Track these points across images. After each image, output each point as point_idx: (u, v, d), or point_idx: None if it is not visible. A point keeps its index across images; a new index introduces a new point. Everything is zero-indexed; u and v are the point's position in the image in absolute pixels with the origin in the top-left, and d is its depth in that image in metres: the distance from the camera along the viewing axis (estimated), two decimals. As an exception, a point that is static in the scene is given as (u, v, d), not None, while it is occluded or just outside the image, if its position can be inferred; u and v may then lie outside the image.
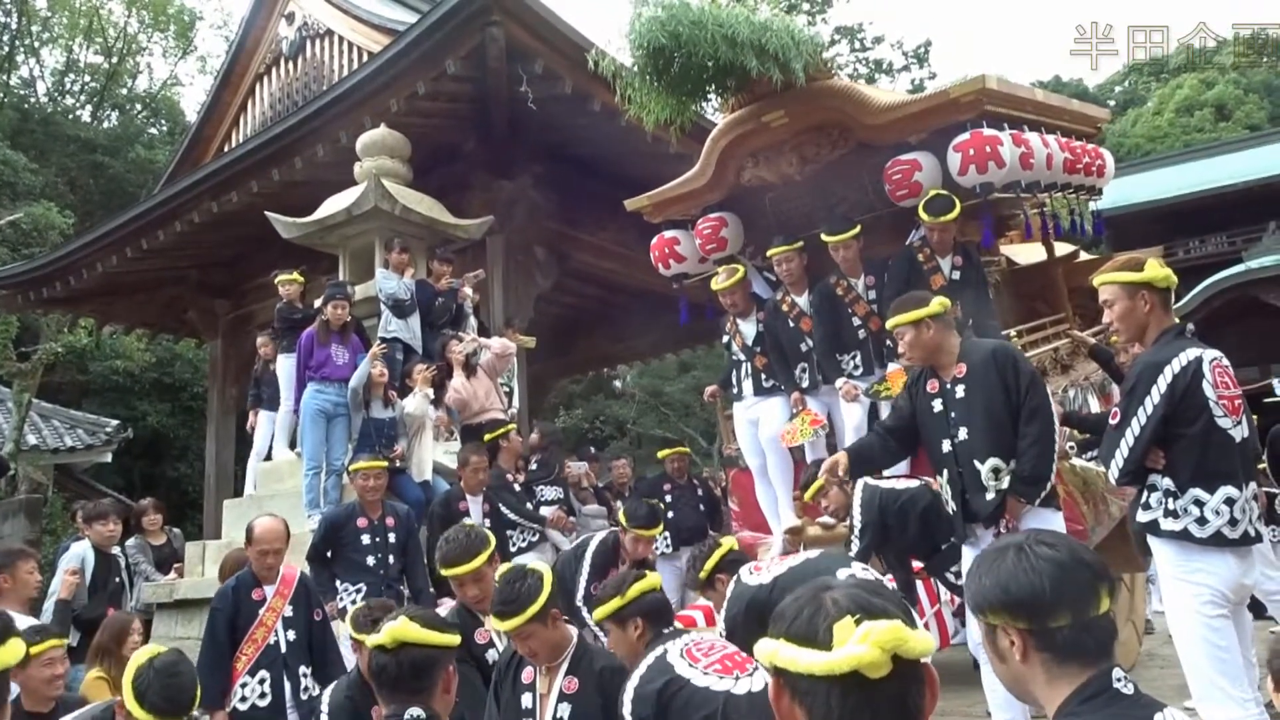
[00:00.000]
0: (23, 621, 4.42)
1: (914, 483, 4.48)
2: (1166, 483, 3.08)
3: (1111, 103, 31.61)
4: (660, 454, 7.89)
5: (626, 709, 2.75)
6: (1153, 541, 3.12)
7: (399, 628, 2.40)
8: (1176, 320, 3.32)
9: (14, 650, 2.35)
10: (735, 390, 6.17)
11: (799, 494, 5.28)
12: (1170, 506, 3.06)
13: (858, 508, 4.44)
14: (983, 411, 3.74)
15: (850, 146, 5.73)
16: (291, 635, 4.49)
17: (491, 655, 3.67)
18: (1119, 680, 1.46)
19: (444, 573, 3.72)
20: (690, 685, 2.67)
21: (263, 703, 4.37)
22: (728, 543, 3.99)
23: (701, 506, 7.41)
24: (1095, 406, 5.65)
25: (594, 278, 12.09)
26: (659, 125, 5.91)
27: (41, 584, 4.99)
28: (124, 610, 5.88)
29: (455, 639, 2.53)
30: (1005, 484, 3.66)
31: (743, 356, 6.08)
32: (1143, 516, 3.14)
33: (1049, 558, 1.50)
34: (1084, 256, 7.08)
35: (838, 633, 1.13)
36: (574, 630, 3.19)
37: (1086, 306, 7.01)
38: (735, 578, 3.38)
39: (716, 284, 6.02)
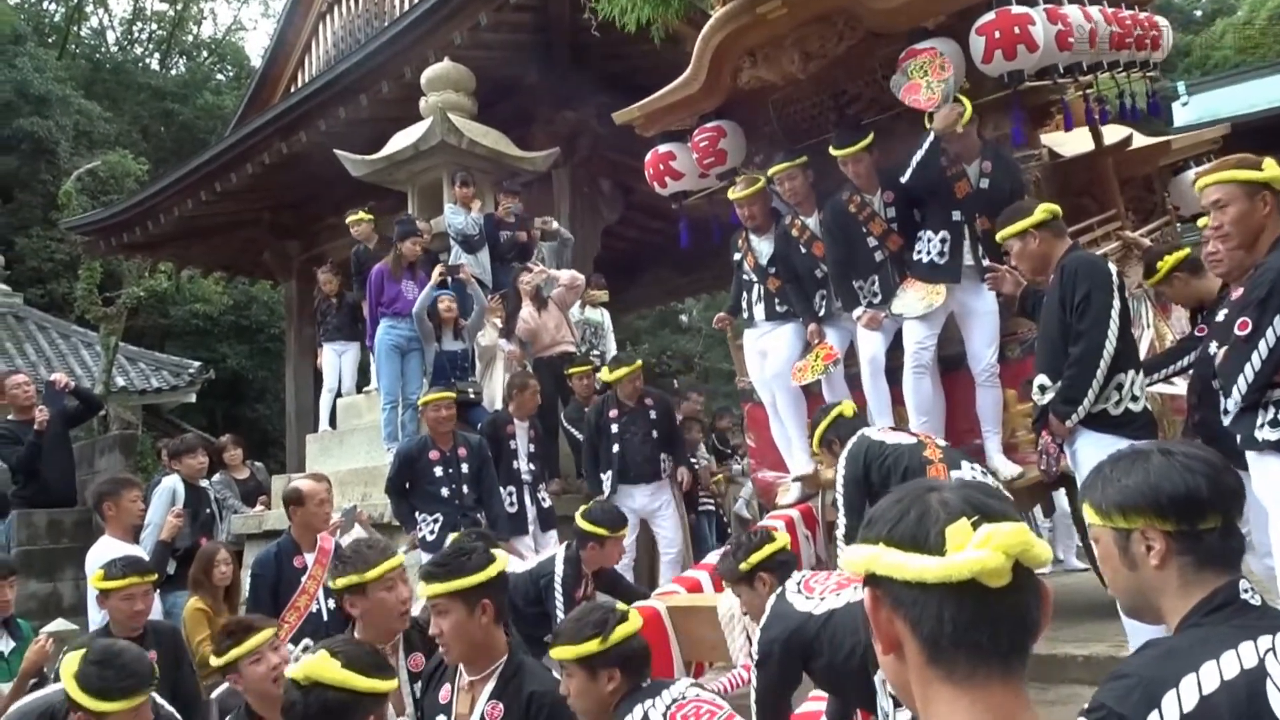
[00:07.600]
0: (122, 550, 4.64)
1: (907, 439, 4.05)
2: None
3: (1198, 14, 29.88)
4: (568, 370, 6.96)
5: None
6: (1271, 460, 2.91)
7: (315, 664, 2.12)
8: None
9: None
10: (745, 315, 5.65)
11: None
12: None
13: (843, 460, 4.01)
14: (1044, 325, 3.80)
15: (859, 37, 5.05)
16: (333, 604, 4.24)
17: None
18: (1246, 591, 1.40)
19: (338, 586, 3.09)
20: None
21: None
22: (781, 540, 3.33)
23: (654, 433, 6.16)
24: (1150, 316, 5.06)
25: (658, 210, 11.87)
26: (642, 27, 5.37)
27: (144, 513, 5.18)
28: (214, 540, 6.09)
29: (385, 685, 2.22)
30: (1045, 400, 3.72)
31: (754, 277, 5.54)
32: (1270, 435, 2.89)
33: (1200, 458, 1.43)
34: (1138, 142, 6.15)
35: (951, 536, 0.99)
36: (506, 643, 2.64)
37: (1141, 199, 6.25)
38: (779, 592, 2.97)
39: (734, 193, 5.47)
